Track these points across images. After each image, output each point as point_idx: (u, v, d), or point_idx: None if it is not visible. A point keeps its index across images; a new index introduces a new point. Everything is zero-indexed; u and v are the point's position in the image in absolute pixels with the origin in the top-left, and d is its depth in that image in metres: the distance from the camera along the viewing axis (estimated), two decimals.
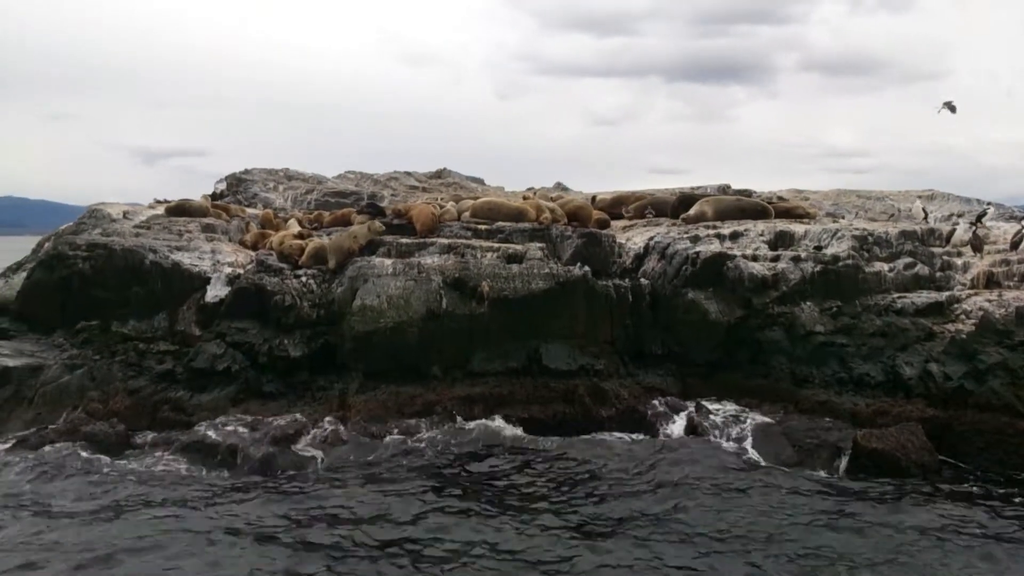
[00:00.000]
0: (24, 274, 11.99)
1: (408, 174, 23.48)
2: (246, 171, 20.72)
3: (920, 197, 14.14)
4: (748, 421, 9.04)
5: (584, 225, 11.79)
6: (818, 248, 11.00)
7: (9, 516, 6.68)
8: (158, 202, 15.00)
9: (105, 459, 7.97)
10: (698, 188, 18.37)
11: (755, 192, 17.19)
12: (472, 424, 8.87)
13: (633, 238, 11.84)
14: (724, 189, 17.78)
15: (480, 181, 24.63)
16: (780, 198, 15.71)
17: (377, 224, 10.95)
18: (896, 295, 10.48)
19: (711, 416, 9.15)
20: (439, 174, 24.03)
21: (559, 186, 22.84)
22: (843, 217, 14.59)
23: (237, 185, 19.88)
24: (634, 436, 8.91)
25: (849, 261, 10.55)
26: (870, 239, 11.19)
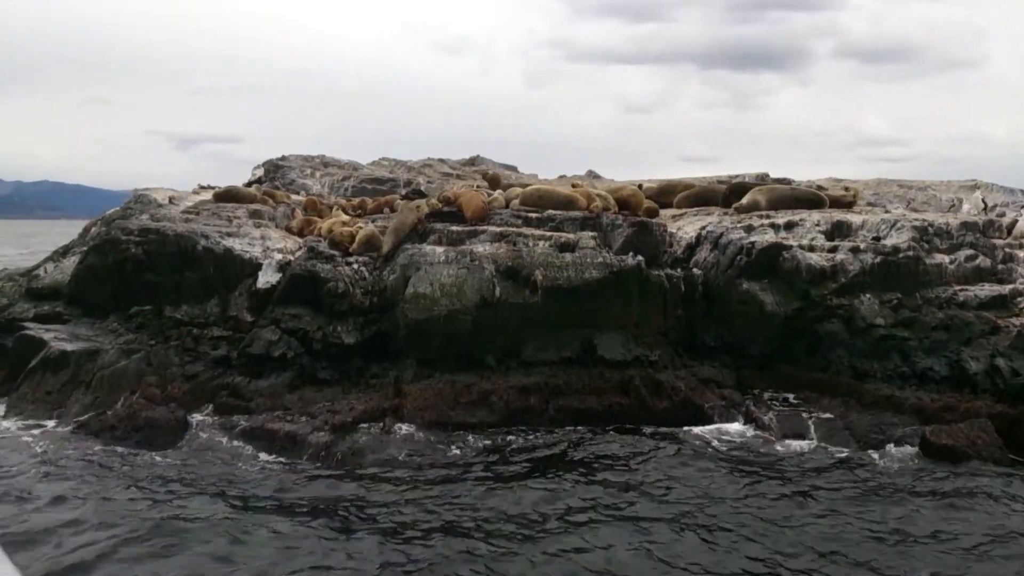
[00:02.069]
0: (74, 258, 12.09)
1: (442, 161, 23.41)
2: (283, 157, 20.76)
3: (978, 188, 13.79)
4: (809, 415, 8.88)
5: (634, 213, 11.62)
6: (876, 239, 10.75)
7: (71, 500, 6.68)
8: (202, 187, 15.05)
9: (165, 444, 8.00)
10: (736, 176, 18.10)
11: (793, 181, 16.89)
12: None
13: (684, 227, 11.66)
14: (762, 178, 17.50)
15: (514, 168, 24.49)
16: (819, 187, 15.41)
17: (434, 200, 11.12)
18: (957, 288, 10.26)
19: (770, 410, 9.00)
20: (472, 161, 23.94)
21: (591, 174, 22.64)
22: (883, 207, 14.28)
23: (275, 171, 19.92)
24: (692, 429, 8.76)
25: (910, 253, 10.31)
26: (930, 230, 10.93)
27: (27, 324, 10.13)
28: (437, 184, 19.00)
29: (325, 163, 21.38)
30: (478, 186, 15.70)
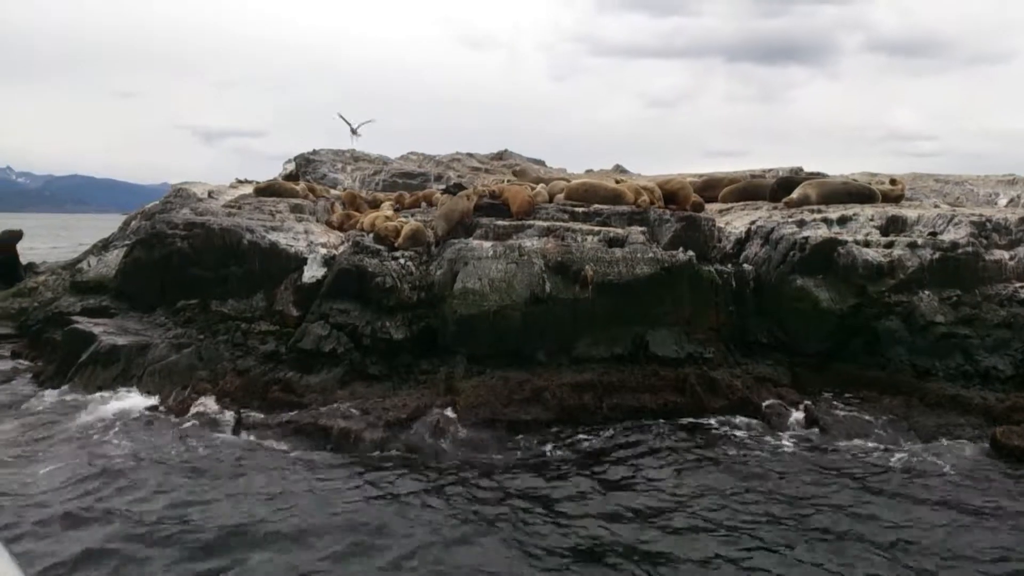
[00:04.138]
0: (116, 252, 12.10)
1: (470, 155, 23.31)
2: (314, 152, 20.74)
3: None
4: (870, 415, 8.66)
5: (681, 208, 11.44)
6: (933, 234, 10.51)
7: (124, 494, 6.61)
8: (240, 182, 15.03)
9: (219, 439, 7.94)
10: (769, 171, 17.85)
11: (827, 175, 16.60)
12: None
13: (733, 222, 11.46)
14: (796, 172, 17.24)
15: (542, 162, 24.34)
16: (854, 182, 15.09)
17: (480, 189, 10.97)
18: (1018, 284, 9.99)
19: (831, 409, 8.79)
20: (500, 156, 23.81)
21: (618, 168, 22.46)
22: (933, 203, 13.98)
23: (306, 165, 19.90)
24: (750, 429, 8.57)
25: (969, 248, 10.06)
26: (988, 225, 10.66)
27: (75, 318, 10.12)
28: (467, 178, 18.90)
29: (355, 157, 21.33)
30: (508, 180, 15.57)
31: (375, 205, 13.43)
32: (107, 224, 23.51)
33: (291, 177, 18.46)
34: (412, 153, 23.08)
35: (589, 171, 21.85)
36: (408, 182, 18.98)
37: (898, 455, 7.82)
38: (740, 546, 5.88)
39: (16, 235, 14.82)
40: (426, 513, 6.35)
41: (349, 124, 15.06)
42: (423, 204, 14.11)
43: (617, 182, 12.40)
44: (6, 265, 14.16)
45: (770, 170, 18.00)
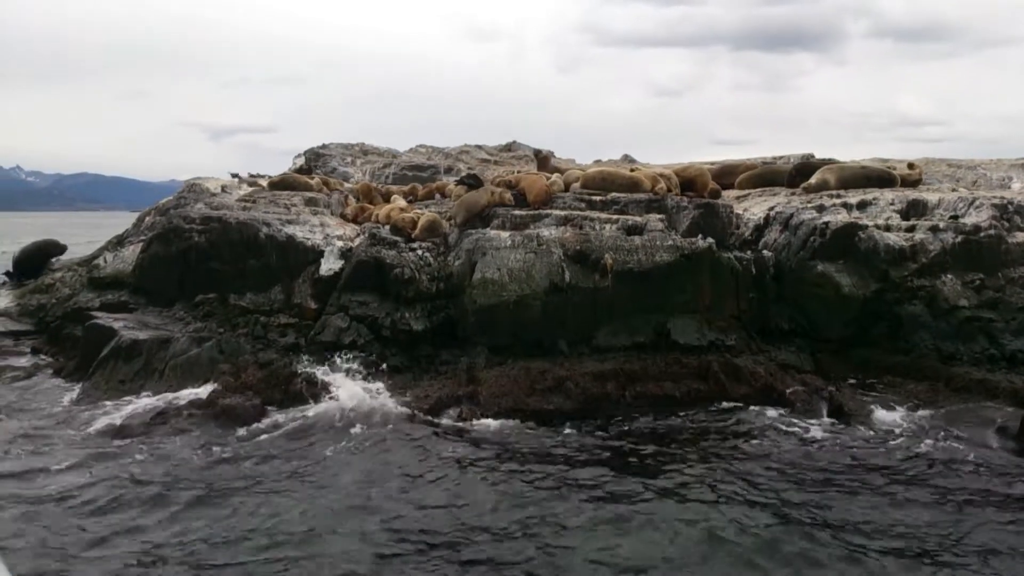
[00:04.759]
0: (132, 248, 12.10)
1: (479, 147, 23.21)
2: (324, 146, 20.70)
3: None
4: (896, 400, 8.60)
5: (699, 195, 11.37)
6: (954, 217, 10.41)
7: (145, 490, 6.60)
8: (252, 176, 15.02)
9: (244, 432, 7.93)
10: (779, 158, 17.71)
11: (838, 161, 16.42)
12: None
13: (751, 208, 11.38)
14: (807, 159, 17.11)
15: (551, 153, 24.20)
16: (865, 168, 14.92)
17: (508, 195, 10.88)
18: None
19: (856, 395, 8.74)
20: (509, 147, 23.71)
21: (626, 158, 22.34)
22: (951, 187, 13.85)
23: (316, 159, 19.87)
24: (775, 417, 8.51)
25: (991, 231, 9.97)
26: (1010, 208, 10.56)
27: (95, 313, 10.12)
28: (477, 170, 18.82)
29: (365, 151, 21.29)
30: (518, 171, 15.51)
31: (388, 198, 13.41)
32: (118, 221, 23.55)
33: (301, 171, 18.43)
34: (421, 146, 23.01)
35: (597, 161, 21.75)
36: (418, 175, 18.94)
37: (925, 440, 7.75)
38: (768, 532, 5.83)
39: (60, 249, 15.23)
40: (450, 503, 6.32)
41: (238, 175, 15.61)
42: (436, 196, 14.08)
43: (632, 171, 12.32)
44: (36, 270, 14.47)
45: (780, 157, 17.88)
